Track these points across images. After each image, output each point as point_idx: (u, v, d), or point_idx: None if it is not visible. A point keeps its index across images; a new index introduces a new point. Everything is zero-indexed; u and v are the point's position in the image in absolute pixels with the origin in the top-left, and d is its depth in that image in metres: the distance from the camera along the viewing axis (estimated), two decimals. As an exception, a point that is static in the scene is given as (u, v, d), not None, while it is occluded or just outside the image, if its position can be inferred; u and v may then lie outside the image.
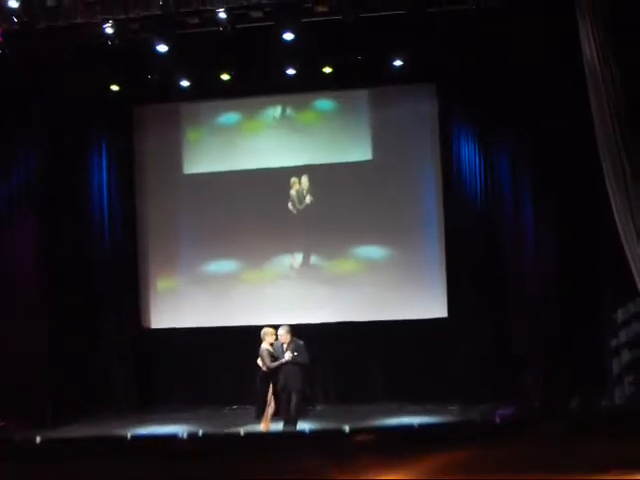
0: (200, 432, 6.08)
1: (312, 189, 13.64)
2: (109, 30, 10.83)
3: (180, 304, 13.90)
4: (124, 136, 14.10)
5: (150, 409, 13.37)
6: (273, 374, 11.04)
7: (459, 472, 2.49)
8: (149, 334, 14.03)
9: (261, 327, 12.52)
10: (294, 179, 13.68)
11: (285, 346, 11.12)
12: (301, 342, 11.16)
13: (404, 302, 13.18)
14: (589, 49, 9.46)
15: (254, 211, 13.72)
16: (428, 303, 13.15)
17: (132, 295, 14.01)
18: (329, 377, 13.14)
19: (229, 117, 14.05)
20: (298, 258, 13.71)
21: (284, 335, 11.17)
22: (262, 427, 11.08)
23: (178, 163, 14.10)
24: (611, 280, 10.95)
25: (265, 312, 13.35)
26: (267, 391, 11.13)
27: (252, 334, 13.20)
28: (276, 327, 11.31)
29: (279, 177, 13.70)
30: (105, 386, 13.55)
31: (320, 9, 10.99)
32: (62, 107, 13.09)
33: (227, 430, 11.21)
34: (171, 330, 13.85)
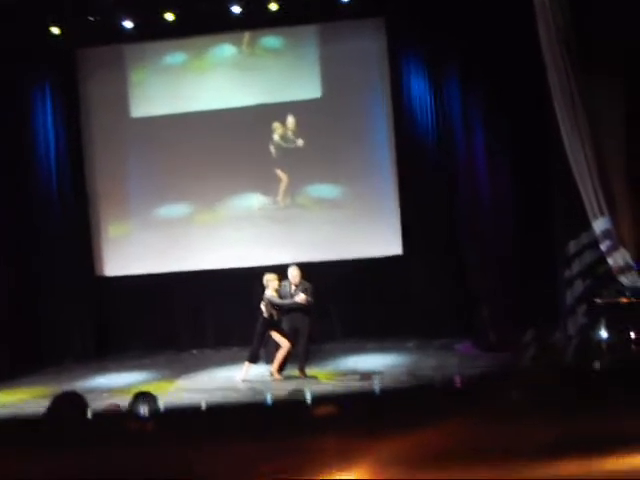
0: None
1: (262, 128, 13.45)
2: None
3: (133, 250, 13.75)
4: (68, 80, 13.74)
5: (107, 357, 13.28)
6: (274, 320, 11.01)
7: (431, 462, 2.34)
8: (103, 281, 13.89)
9: (215, 271, 12.46)
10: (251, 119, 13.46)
11: (294, 287, 11.09)
12: (308, 283, 11.15)
13: (359, 240, 13.18)
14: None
15: (204, 153, 13.54)
16: (383, 241, 13.17)
17: (83, 242, 13.80)
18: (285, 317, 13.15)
19: (175, 57, 13.76)
20: (250, 199, 13.60)
21: (295, 275, 11.13)
22: (274, 372, 11.04)
23: (125, 106, 13.81)
24: (564, 211, 11.01)
25: (219, 254, 13.38)
26: (265, 336, 11.09)
27: (207, 278, 13.22)
28: (278, 268, 11.29)
29: (228, 117, 13.49)
30: (60, 336, 13.40)
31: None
32: (2, 52, 12.67)
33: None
34: (125, 277, 13.73)
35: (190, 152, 13.54)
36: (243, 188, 13.56)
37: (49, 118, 13.75)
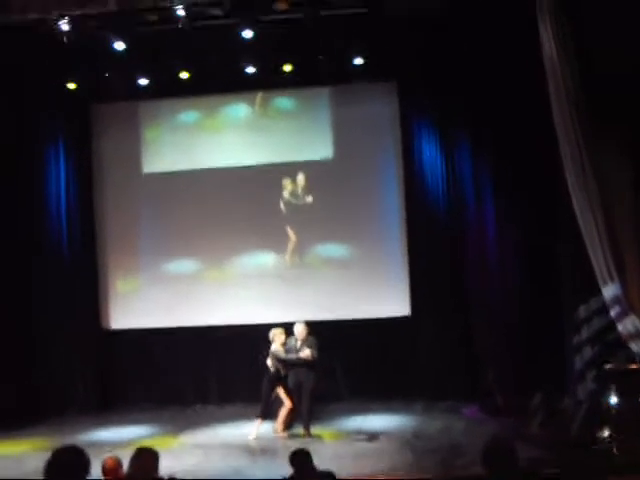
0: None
1: (272, 187, 13.52)
2: (65, 27, 10.62)
3: (141, 305, 13.71)
4: (82, 135, 13.88)
5: (110, 411, 13.16)
6: (280, 375, 11.06)
7: None
8: (109, 336, 13.83)
9: (222, 327, 12.43)
10: (260, 179, 13.54)
11: (300, 343, 11.14)
12: (314, 339, 11.20)
13: (367, 301, 13.12)
14: (548, 44, 9.50)
15: (215, 210, 13.59)
16: (391, 302, 13.11)
17: (91, 296, 13.79)
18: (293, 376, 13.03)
19: (188, 115, 13.90)
20: (259, 257, 13.59)
21: (302, 331, 11.21)
22: (277, 429, 11.08)
23: (137, 162, 13.92)
24: (573, 277, 10.98)
25: (226, 312, 13.34)
26: (273, 391, 11.10)
27: (213, 334, 13.18)
28: (285, 326, 11.38)
29: (239, 176, 13.56)
30: (64, 387, 13.33)
31: (280, 6, 10.92)
32: (18, 106, 12.86)
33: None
34: (131, 330, 13.68)
35: (201, 209, 13.59)
36: (252, 246, 13.56)
37: (62, 172, 13.87)
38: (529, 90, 10.84)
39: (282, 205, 13.53)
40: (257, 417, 11.06)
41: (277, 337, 11.16)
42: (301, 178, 13.49)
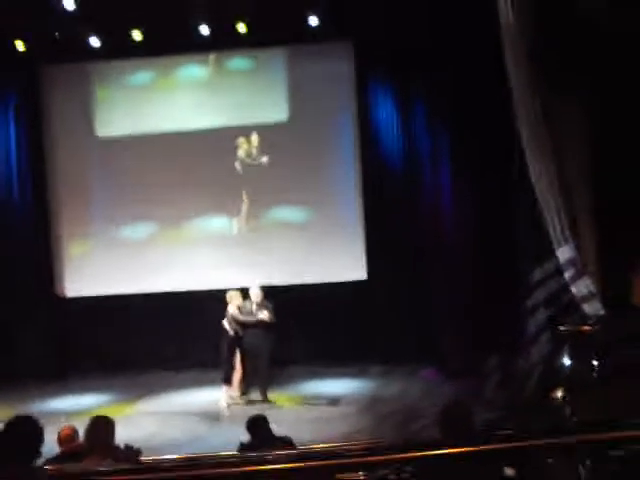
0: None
1: (227, 150, 13.36)
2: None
3: (94, 270, 13.55)
4: (33, 97, 13.61)
5: (66, 379, 12.97)
6: (239, 338, 11.04)
7: None
8: (63, 302, 13.69)
9: (176, 293, 12.33)
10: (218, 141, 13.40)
11: (256, 306, 11.14)
12: (269, 303, 11.21)
13: (323, 265, 13.11)
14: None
15: (168, 173, 13.39)
16: (347, 266, 13.10)
17: (45, 263, 13.62)
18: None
19: (141, 77, 13.67)
20: (214, 221, 13.50)
21: (258, 294, 11.23)
22: (234, 392, 11.10)
23: (90, 125, 13.66)
24: (528, 240, 11.03)
25: (180, 276, 13.24)
26: (234, 355, 11.11)
27: (168, 299, 13.05)
28: (242, 290, 11.36)
29: (193, 138, 13.38)
30: (18, 356, 13.13)
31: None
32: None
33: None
34: (86, 297, 13.52)
35: (154, 172, 13.41)
36: (208, 210, 13.46)
37: (12, 134, 13.60)
38: (484, 44, 10.75)
39: (237, 167, 13.39)
40: (224, 382, 11.02)
41: (234, 299, 11.17)
42: (255, 139, 13.35)
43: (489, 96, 11.09)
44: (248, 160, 13.37)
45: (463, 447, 4.23)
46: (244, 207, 13.39)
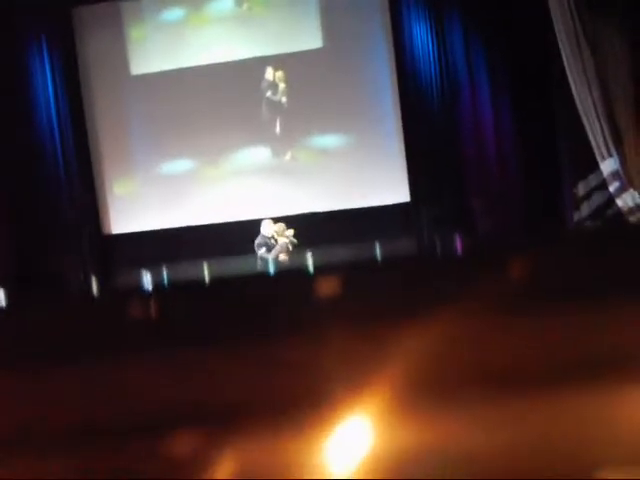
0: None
1: (260, 82, 13.33)
2: None
3: (139, 208, 13.72)
4: (65, 39, 13.55)
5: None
6: None
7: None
8: (110, 240, 13.89)
9: (221, 224, 12.42)
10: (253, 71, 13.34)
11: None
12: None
13: (366, 190, 13.10)
14: None
15: (205, 107, 13.38)
16: (390, 189, 13.10)
17: (89, 201, 13.75)
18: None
19: (173, 13, 13.58)
20: (255, 153, 13.50)
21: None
22: None
23: (124, 63, 13.64)
24: (571, 154, 10.99)
25: (226, 209, 13.33)
26: None
27: (214, 232, 13.17)
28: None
29: (228, 71, 13.35)
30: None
31: None
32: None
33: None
34: (131, 235, 13.72)
35: (191, 107, 13.39)
36: (246, 142, 13.43)
37: (48, 78, 13.60)
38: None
39: (276, 97, 13.35)
40: None
41: (283, 231, 11.38)
42: (294, 69, 13.26)
43: (528, 13, 10.94)
44: (284, 92, 13.33)
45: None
46: (283, 137, 13.39)
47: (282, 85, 13.31)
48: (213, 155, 13.53)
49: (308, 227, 12.94)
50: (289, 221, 11.80)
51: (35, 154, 13.52)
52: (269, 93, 13.35)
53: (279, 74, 13.31)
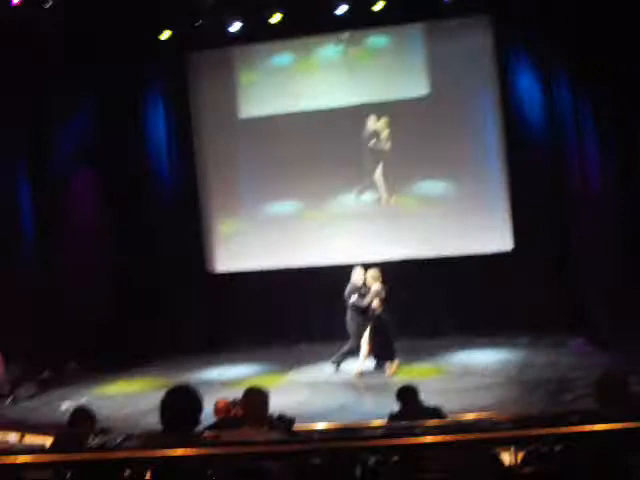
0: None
1: (373, 127, 13.46)
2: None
3: (243, 247, 13.95)
4: (179, 84, 14.09)
5: (218, 351, 13.42)
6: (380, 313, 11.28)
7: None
8: (215, 278, 14.16)
9: (322, 268, 12.56)
10: (357, 118, 13.51)
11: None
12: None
13: (469, 236, 13.01)
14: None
15: (312, 150, 13.62)
16: (492, 237, 12.96)
17: (196, 239, 14.14)
18: (395, 314, 13.02)
19: (282, 58, 13.94)
20: (360, 196, 13.63)
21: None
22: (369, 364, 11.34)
23: (233, 107, 14.06)
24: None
25: (328, 252, 13.43)
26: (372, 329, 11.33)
27: (315, 274, 13.26)
28: (383, 266, 11.65)
29: (335, 116, 13.54)
30: (172, 330, 13.72)
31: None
32: (115, 58, 13.03)
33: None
34: (235, 273, 13.96)
35: (298, 151, 13.64)
36: (351, 186, 13.59)
37: (162, 121, 14.19)
38: (631, 18, 10.44)
39: (380, 144, 13.46)
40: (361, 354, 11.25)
41: (378, 277, 11.29)
42: (398, 116, 13.35)
43: (634, 62, 10.75)
44: (390, 139, 13.41)
45: (622, 419, 3.98)
46: (388, 183, 13.45)
47: (386, 132, 13.41)
48: (317, 198, 13.70)
49: (411, 272, 12.94)
50: (389, 267, 11.75)
51: (147, 195, 14.01)
52: (373, 141, 13.47)
53: (383, 121, 13.42)
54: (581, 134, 12.20)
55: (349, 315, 11.39)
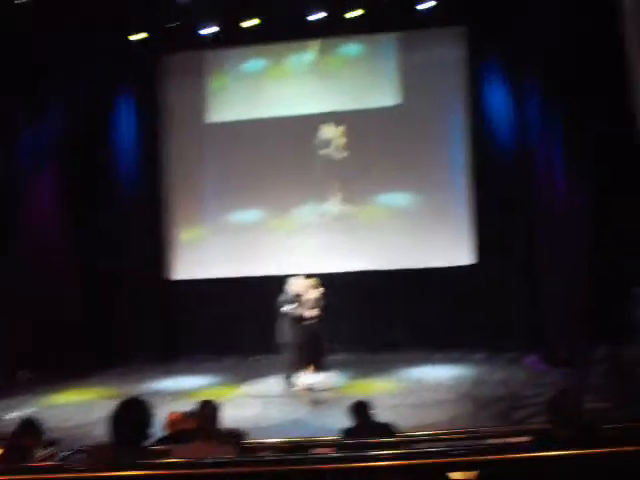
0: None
1: (340, 136, 13.46)
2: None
3: (204, 254, 13.88)
4: (149, 86, 14.00)
5: (174, 361, 13.37)
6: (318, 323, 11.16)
7: None
8: (172, 285, 14.04)
9: (284, 277, 12.55)
10: (323, 126, 13.50)
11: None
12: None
13: (431, 250, 13.04)
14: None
15: (279, 159, 13.60)
16: (455, 250, 12.99)
17: (155, 246, 14.03)
18: (353, 326, 12.97)
19: (254, 64, 13.89)
20: (324, 206, 13.58)
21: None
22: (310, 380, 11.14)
23: (202, 112, 13.99)
24: (638, 227, 10.78)
25: (289, 261, 13.33)
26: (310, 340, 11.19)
27: (276, 284, 13.18)
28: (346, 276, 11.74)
29: (305, 124, 13.53)
30: (128, 339, 13.61)
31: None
32: (86, 60, 12.96)
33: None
34: (194, 281, 13.86)
35: (264, 158, 13.61)
36: (315, 195, 13.56)
37: (131, 123, 14.11)
38: (601, 32, 10.51)
39: (333, 153, 13.47)
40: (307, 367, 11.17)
41: (316, 286, 11.27)
42: (364, 125, 13.36)
43: (605, 81, 10.83)
44: (356, 148, 13.41)
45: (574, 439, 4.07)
46: (351, 193, 13.42)
47: (340, 140, 13.42)
48: (280, 207, 13.67)
49: (371, 283, 12.95)
50: (354, 277, 11.70)
51: (108, 196, 13.90)
52: (325, 150, 13.48)
53: (339, 130, 13.44)
54: (550, 150, 12.22)
55: (284, 325, 11.17)
